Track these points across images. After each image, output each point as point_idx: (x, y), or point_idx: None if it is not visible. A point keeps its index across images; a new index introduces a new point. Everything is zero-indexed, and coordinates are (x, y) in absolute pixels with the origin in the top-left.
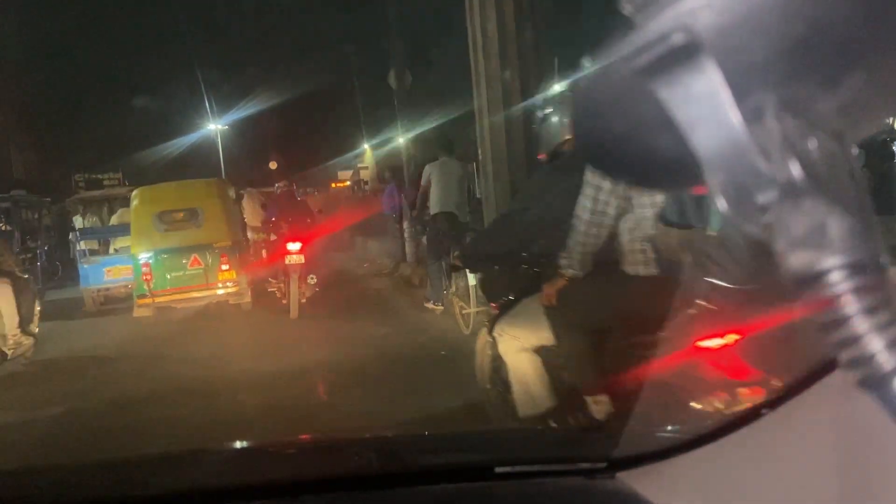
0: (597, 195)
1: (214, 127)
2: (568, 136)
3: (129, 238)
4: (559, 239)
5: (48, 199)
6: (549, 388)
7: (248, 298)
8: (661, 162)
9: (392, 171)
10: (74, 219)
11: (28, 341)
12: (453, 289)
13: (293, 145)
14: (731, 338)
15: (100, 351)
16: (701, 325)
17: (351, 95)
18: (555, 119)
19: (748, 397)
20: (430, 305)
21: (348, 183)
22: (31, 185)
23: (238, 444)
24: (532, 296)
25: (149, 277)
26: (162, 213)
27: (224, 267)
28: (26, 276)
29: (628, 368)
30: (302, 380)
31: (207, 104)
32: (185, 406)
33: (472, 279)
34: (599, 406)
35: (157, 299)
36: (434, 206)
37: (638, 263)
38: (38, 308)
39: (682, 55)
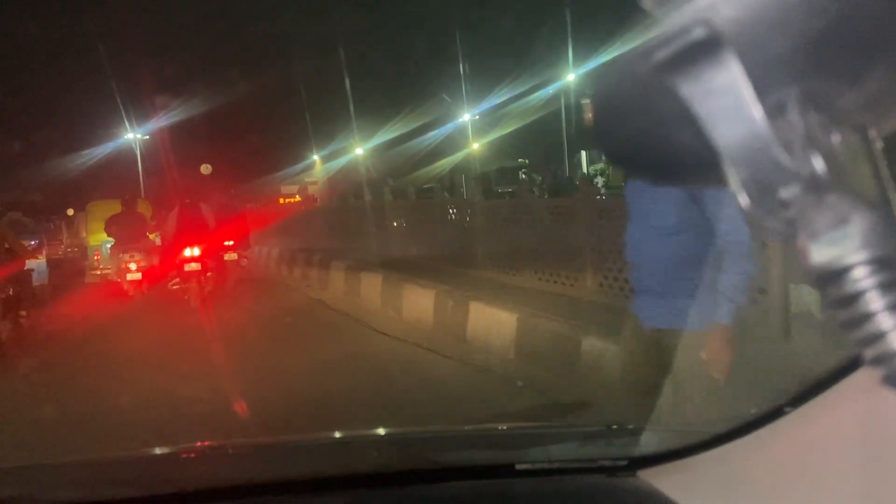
0: None
1: (132, 136)
2: None
3: None
4: None
5: None
6: None
7: None
8: (682, 157)
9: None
10: None
11: None
12: None
13: (223, 157)
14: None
15: None
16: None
17: (295, 99)
18: None
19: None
20: None
21: (298, 198)
22: None
23: (256, 440)
24: None
25: (98, 258)
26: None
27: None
28: None
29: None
30: None
31: (122, 108)
32: None
33: None
34: None
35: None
36: None
37: None
38: None
39: (703, 50)
